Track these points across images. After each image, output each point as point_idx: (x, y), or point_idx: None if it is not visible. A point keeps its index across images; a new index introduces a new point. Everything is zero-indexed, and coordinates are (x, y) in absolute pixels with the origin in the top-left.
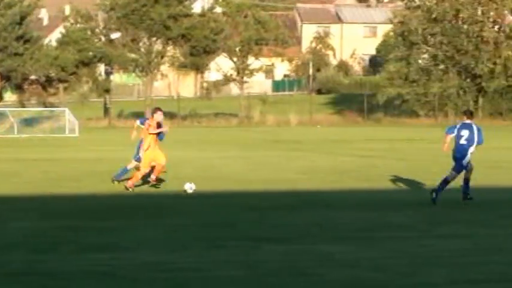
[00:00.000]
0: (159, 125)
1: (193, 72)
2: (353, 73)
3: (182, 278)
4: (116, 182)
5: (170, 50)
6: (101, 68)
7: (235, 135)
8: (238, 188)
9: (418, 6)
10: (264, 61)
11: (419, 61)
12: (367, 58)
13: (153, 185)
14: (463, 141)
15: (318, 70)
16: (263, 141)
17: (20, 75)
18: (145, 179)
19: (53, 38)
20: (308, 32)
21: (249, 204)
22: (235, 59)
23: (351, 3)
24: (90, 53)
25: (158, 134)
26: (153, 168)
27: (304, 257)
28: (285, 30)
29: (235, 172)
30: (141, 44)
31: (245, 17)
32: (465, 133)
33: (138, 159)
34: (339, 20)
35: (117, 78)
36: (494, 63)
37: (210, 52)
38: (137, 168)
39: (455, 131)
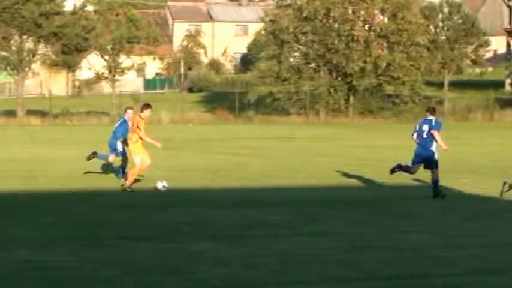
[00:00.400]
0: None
1: (64, 70)
2: (224, 71)
3: (55, 276)
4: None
5: (42, 48)
6: None
7: (106, 133)
8: (109, 186)
9: (289, 5)
10: (135, 59)
11: (291, 59)
12: (238, 56)
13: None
14: (424, 136)
15: (190, 68)
16: None
17: None
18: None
19: None
20: (179, 31)
21: (121, 202)
22: (106, 57)
23: (222, 2)
24: None
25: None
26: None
27: (177, 255)
28: (157, 29)
29: (108, 171)
30: (12, 41)
31: (117, 15)
32: (426, 128)
33: (122, 154)
34: (210, 18)
35: None
36: (365, 62)
37: (81, 50)
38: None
39: (417, 127)
